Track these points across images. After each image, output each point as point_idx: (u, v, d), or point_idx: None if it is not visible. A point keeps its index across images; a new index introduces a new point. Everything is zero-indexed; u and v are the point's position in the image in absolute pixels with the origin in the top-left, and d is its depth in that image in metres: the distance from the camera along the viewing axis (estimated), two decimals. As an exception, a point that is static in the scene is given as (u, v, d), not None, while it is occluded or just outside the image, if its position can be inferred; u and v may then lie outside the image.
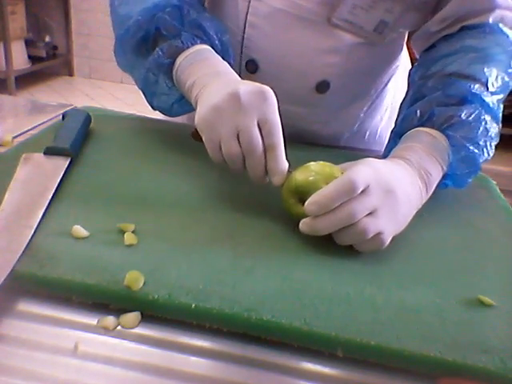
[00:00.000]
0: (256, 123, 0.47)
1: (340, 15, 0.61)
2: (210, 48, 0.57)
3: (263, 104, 0.47)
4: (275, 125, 0.47)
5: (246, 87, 0.47)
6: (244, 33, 0.65)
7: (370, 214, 0.43)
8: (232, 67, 0.56)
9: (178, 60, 0.56)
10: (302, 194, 0.45)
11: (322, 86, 0.67)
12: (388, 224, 0.44)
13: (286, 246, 0.45)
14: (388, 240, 0.44)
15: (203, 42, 0.57)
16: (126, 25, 0.59)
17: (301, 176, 0.46)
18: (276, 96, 0.49)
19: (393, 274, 0.43)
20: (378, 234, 0.43)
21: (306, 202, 0.43)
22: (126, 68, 0.64)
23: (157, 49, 0.57)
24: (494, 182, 0.66)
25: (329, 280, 0.40)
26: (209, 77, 0.53)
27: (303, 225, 0.44)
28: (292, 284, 0.39)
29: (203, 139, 0.50)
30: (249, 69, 0.56)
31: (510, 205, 0.60)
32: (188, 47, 0.56)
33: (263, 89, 0.48)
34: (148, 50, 0.59)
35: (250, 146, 0.47)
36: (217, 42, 0.59)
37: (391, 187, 0.45)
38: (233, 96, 0.47)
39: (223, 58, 0.57)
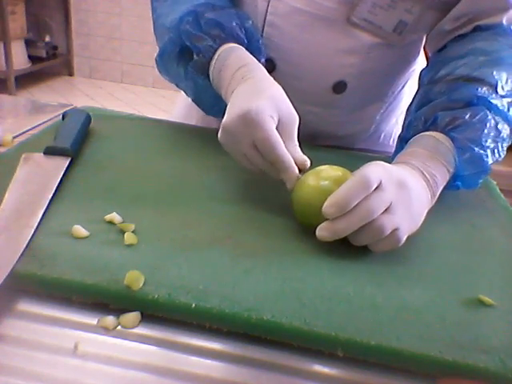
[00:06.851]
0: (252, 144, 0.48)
1: (360, 14, 0.61)
2: (233, 44, 0.57)
3: (248, 130, 0.47)
4: (267, 144, 0.47)
5: (232, 116, 0.49)
6: (263, 32, 0.65)
7: (384, 210, 0.42)
8: (260, 49, 0.59)
9: (210, 73, 0.58)
10: (316, 201, 0.44)
11: (339, 87, 0.67)
12: (403, 219, 0.44)
13: (286, 245, 0.45)
14: (404, 237, 0.44)
15: (223, 40, 0.57)
16: (162, 40, 0.61)
17: (313, 182, 0.45)
18: (293, 95, 0.50)
19: (393, 273, 0.43)
20: (394, 231, 0.43)
21: (324, 205, 0.42)
22: (172, 80, 0.66)
23: (188, 67, 0.59)
24: (494, 182, 0.66)
25: (329, 280, 0.40)
26: (233, 82, 0.54)
27: (321, 230, 0.43)
28: (292, 284, 0.39)
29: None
30: (266, 67, 0.57)
31: (510, 205, 0.60)
32: (211, 57, 0.57)
33: (245, 115, 0.47)
34: (188, 60, 0.60)
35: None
36: (238, 32, 0.58)
37: (403, 182, 0.45)
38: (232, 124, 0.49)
39: (250, 43, 0.58)
